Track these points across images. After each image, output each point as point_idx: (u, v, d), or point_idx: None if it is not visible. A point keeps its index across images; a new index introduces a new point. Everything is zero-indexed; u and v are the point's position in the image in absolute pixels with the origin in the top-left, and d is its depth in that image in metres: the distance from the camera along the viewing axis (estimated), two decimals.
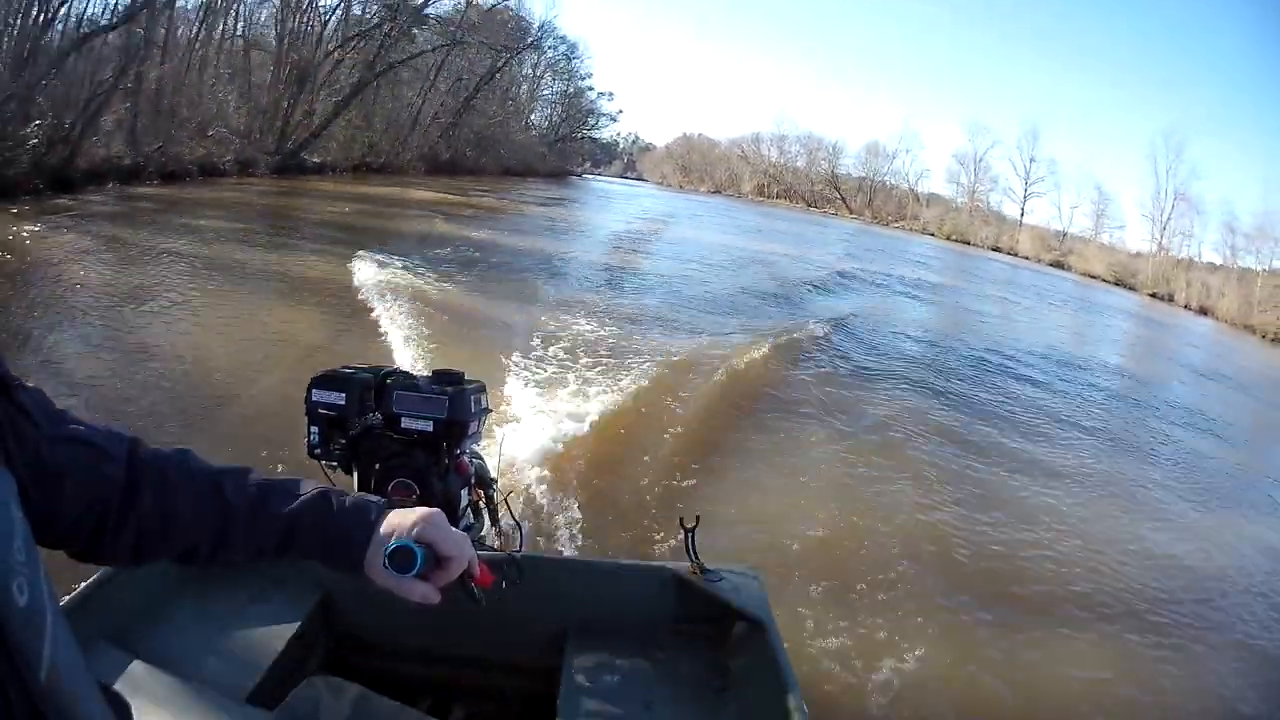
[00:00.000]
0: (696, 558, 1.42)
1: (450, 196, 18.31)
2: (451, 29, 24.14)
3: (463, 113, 27.91)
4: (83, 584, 1.20)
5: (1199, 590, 3.78)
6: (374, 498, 0.79)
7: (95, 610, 1.20)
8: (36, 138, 11.07)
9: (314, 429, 1.35)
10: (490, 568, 0.83)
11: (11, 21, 11.75)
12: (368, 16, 21.76)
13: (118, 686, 0.69)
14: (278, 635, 1.30)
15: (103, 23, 13.44)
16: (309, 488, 0.77)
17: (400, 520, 0.75)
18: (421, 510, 0.77)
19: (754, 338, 6.90)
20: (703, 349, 6.21)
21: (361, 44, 21.41)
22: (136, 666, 1.12)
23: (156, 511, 0.70)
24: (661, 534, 3.14)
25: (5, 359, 0.58)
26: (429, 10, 22.69)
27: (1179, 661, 3.09)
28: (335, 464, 1.39)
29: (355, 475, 1.39)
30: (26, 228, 7.79)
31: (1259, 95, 65.18)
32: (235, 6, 18.17)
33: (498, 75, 30.03)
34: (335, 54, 20.87)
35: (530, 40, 32.82)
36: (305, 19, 20.39)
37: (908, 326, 9.87)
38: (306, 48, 20.08)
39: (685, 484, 3.72)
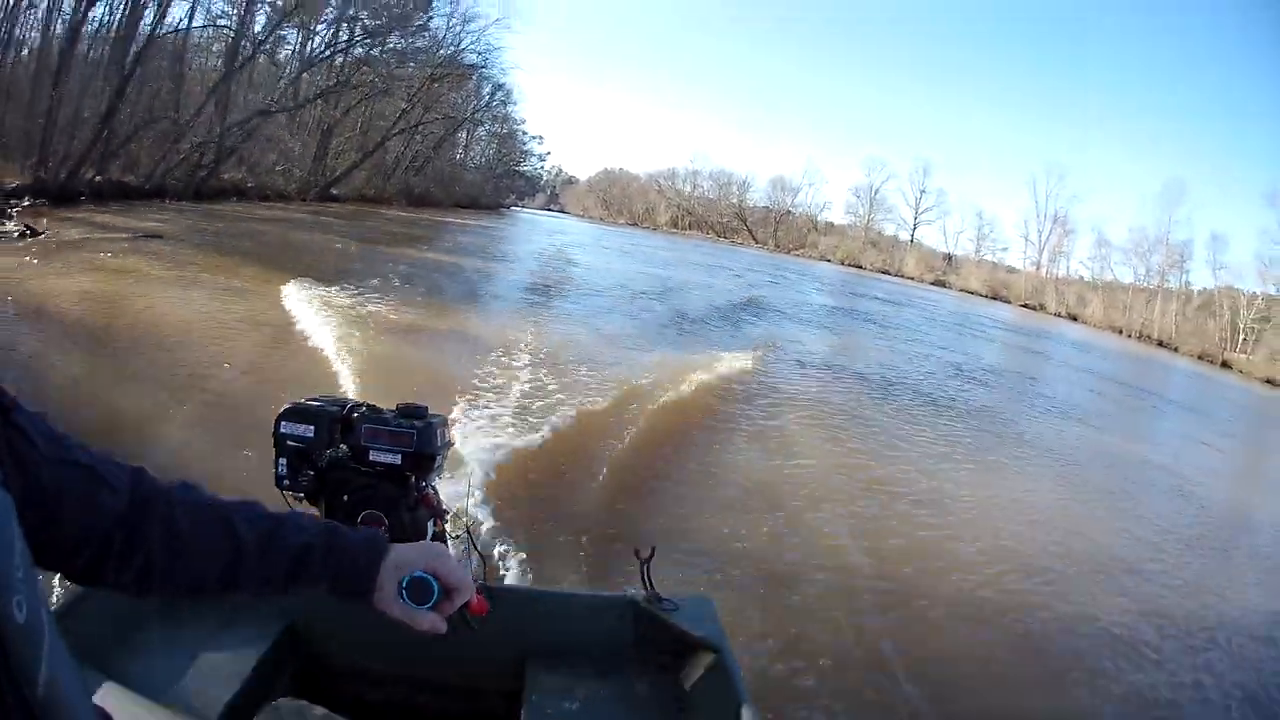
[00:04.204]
0: (651, 587, 1.49)
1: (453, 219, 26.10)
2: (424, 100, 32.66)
3: (431, 159, 36.25)
4: (52, 605, 1.22)
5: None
6: (377, 531, 0.86)
7: (65, 630, 1.31)
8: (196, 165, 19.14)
9: (282, 460, 1.37)
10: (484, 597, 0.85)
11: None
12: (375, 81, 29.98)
13: None
14: (245, 660, 1.34)
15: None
16: (313, 520, 0.81)
17: (409, 553, 0.80)
18: (426, 544, 0.83)
19: (676, 363, 7.36)
20: (626, 372, 6.56)
21: (366, 109, 29.63)
22: (106, 687, 1.13)
23: (164, 544, 0.71)
24: (615, 562, 3.19)
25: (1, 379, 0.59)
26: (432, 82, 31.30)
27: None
28: (301, 495, 1.40)
29: (322, 506, 1.41)
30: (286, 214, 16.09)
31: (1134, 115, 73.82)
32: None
33: (456, 131, 38.65)
34: (350, 113, 29.03)
35: (485, 101, 41.41)
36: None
37: (806, 345, 10.84)
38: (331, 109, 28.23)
39: (634, 510, 3.84)
